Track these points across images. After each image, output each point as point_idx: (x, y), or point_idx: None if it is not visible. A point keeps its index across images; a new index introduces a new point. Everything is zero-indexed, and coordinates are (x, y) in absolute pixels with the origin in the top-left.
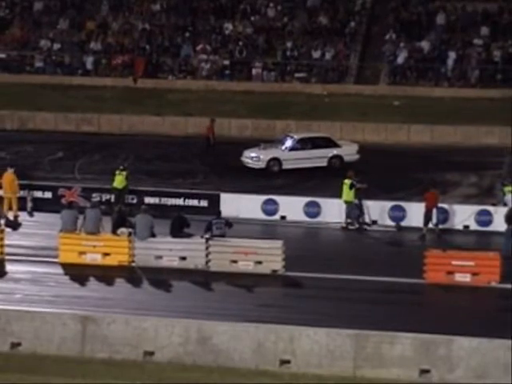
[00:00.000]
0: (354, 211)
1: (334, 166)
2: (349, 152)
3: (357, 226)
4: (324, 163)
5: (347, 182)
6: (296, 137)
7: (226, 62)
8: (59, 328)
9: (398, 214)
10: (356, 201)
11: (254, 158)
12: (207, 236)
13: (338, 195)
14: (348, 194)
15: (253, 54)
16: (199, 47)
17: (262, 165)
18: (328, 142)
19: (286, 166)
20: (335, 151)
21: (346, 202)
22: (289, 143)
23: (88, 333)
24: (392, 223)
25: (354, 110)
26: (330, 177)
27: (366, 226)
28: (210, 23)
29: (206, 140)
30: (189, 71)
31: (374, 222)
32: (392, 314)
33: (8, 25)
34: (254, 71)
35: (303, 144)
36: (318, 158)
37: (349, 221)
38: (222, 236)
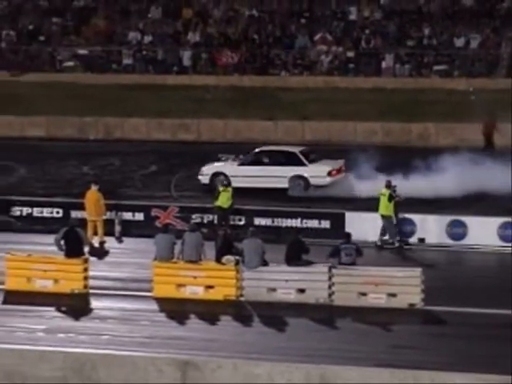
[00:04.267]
0: (393, 227)
1: (296, 189)
2: (316, 173)
3: (397, 244)
4: (284, 184)
5: (385, 192)
6: (258, 150)
7: (351, 54)
8: (154, 375)
9: None
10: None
11: (200, 171)
12: (330, 264)
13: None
14: (387, 206)
15: (382, 43)
16: (318, 37)
17: (205, 180)
18: (291, 159)
19: (235, 183)
20: (298, 171)
21: (384, 217)
22: (242, 157)
23: (189, 381)
24: None
25: (507, 109)
26: None
27: (404, 244)
28: (330, 8)
29: (486, 142)
30: (305, 66)
31: None
32: None
33: (91, 15)
34: (383, 64)
35: (259, 159)
36: (275, 176)
37: (385, 238)
38: (352, 265)
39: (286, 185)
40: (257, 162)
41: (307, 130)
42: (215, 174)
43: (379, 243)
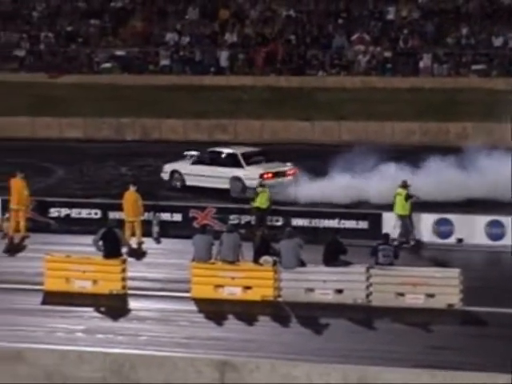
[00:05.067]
0: (408, 227)
1: (235, 190)
2: (249, 176)
3: (410, 244)
4: (226, 185)
5: (402, 191)
6: (209, 150)
7: (388, 54)
8: (192, 376)
9: None
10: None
11: (163, 168)
12: (367, 264)
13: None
14: (403, 206)
15: (420, 43)
16: (355, 37)
17: (166, 177)
18: (232, 161)
19: (189, 181)
20: (236, 172)
21: (401, 216)
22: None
23: (227, 381)
24: None
25: None
26: None
27: (412, 244)
28: (368, 7)
29: None
30: (343, 66)
31: None
32: None
33: (128, 16)
34: (421, 64)
35: (209, 159)
36: (218, 177)
37: (402, 238)
38: (390, 265)
39: (227, 185)
40: (206, 161)
41: (344, 131)
42: (173, 172)
43: (412, 243)
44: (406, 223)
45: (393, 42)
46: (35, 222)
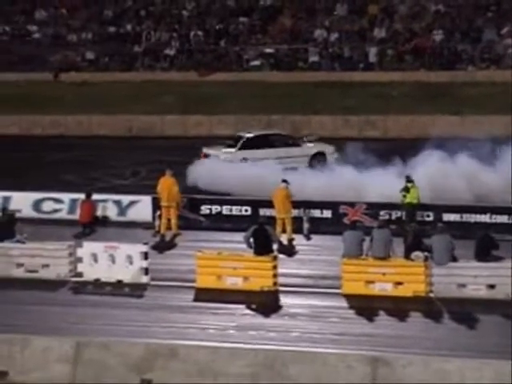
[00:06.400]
0: None
1: None
2: None
3: None
4: None
5: None
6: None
7: None
8: (344, 371)
9: None
10: None
11: None
12: None
13: None
14: None
15: None
16: (505, 30)
17: None
18: None
19: None
20: None
21: None
22: None
23: (379, 377)
24: None
25: None
26: None
27: None
28: None
29: None
30: (492, 60)
31: None
32: None
33: (277, 14)
34: None
35: None
36: None
37: None
38: None
39: None
40: None
41: (494, 124)
42: None
43: None
44: None
45: None
46: (186, 220)
